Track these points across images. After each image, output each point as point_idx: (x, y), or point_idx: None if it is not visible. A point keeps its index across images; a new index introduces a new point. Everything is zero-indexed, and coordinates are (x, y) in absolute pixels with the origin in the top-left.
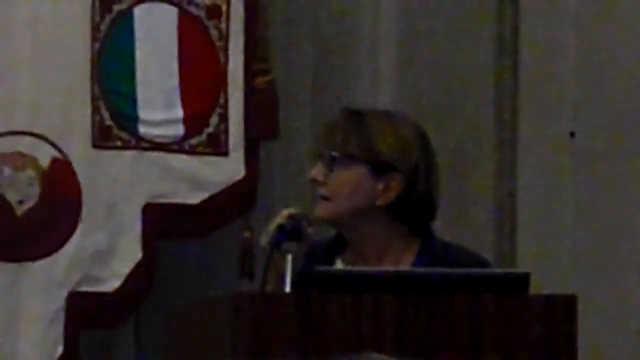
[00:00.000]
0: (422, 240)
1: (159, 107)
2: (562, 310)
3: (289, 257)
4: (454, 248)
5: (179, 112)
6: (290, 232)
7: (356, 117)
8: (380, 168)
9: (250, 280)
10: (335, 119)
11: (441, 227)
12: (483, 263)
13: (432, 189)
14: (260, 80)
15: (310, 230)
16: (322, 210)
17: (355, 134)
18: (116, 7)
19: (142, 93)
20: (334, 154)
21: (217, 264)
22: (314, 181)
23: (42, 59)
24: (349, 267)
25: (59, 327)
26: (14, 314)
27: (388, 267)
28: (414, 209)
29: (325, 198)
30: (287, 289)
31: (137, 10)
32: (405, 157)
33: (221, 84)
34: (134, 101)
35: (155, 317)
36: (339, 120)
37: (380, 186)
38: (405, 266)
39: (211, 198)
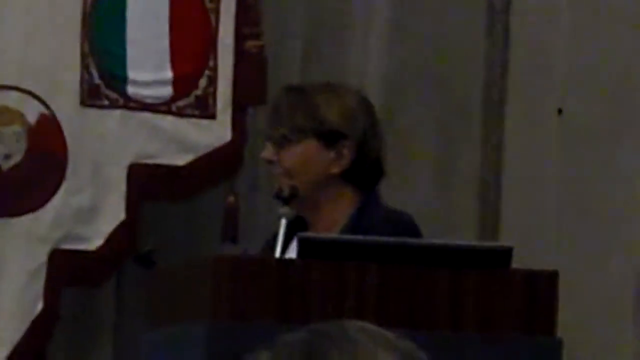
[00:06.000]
0: (360, 204)
1: (148, 67)
2: (543, 286)
3: (283, 222)
4: (386, 209)
5: (168, 74)
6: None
7: (299, 92)
8: (329, 137)
9: (234, 244)
10: (279, 98)
11: (424, 200)
12: (407, 223)
13: (380, 152)
14: (250, 45)
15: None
16: (284, 186)
17: (300, 108)
18: None
19: (132, 53)
20: (282, 130)
21: (201, 227)
22: (267, 162)
23: (32, 15)
24: (332, 235)
25: (40, 284)
26: None
27: (370, 237)
28: (366, 172)
29: (283, 175)
30: (277, 253)
31: None
32: (352, 124)
33: (211, 46)
34: (123, 61)
35: (137, 278)
36: (282, 98)
37: (332, 155)
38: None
39: (197, 160)
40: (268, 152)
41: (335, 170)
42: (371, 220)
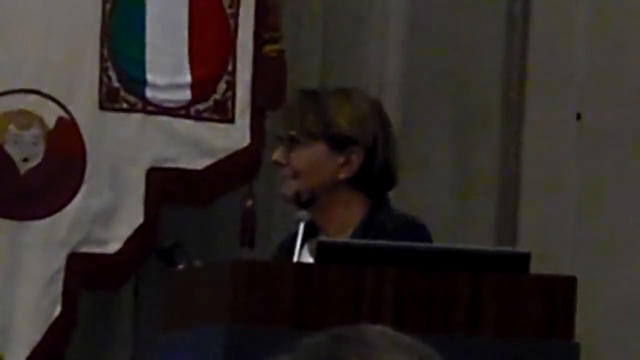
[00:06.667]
0: (370, 210)
1: (167, 71)
2: (561, 291)
3: (301, 226)
4: (396, 215)
5: (187, 77)
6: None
7: (311, 96)
8: (339, 142)
9: (251, 249)
10: (292, 101)
11: (441, 204)
12: (418, 228)
13: (391, 160)
14: (269, 49)
15: None
16: (287, 189)
17: (311, 112)
18: None
19: (151, 57)
20: (292, 133)
21: (219, 231)
22: (276, 164)
23: (52, 18)
24: (349, 239)
25: (58, 287)
26: (13, 272)
27: (388, 241)
28: (375, 179)
29: (290, 177)
30: (296, 257)
31: None
32: (362, 130)
33: (230, 50)
34: (142, 64)
35: (155, 281)
36: (295, 101)
37: (341, 160)
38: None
39: (215, 164)
40: (278, 153)
41: (343, 175)
42: (382, 225)
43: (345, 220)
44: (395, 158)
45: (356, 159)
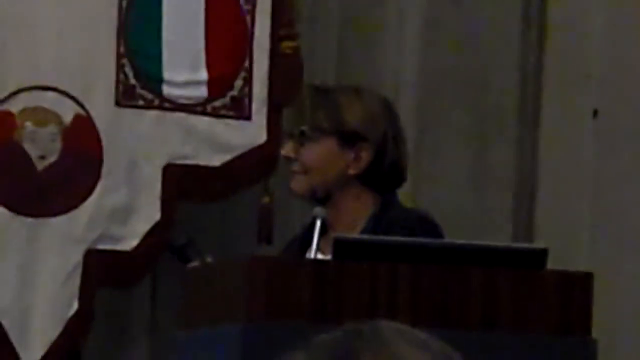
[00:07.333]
0: (380, 205)
1: (184, 68)
2: (578, 287)
3: (318, 222)
4: (405, 210)
5: (204, 74)
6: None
7: (322, 92)
8: (349, 138)
9: (268, 245)
10: (303, 96)
11: (459, 201)
12: (423, 224)
13: (400, 157)
14: (285, 45)
15: None
16: (296, 184)
17: (322, 108)
18: None
19: (168, 53)
20: (302, 128)
21: (234, 228)
22: (286, 158)
23: (68, 15)
24: (365, 235)
25: (75, 284)
26: (30, 268)
27: (403, 238)
28: (384, 176)
29: (299, 172)
30: (313, 254)
31: None
32: (372, 127)
33: (247, 47)
34: (159, 61)
35: (172, 278)
36: (306, 97)
37: (351, 156)
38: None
39: (232, 161)
40: (288, 148)
41: (352, 171)
42: (391, 221)
43: (355, 217)
44: (404, 155)
45: (366, 155)
